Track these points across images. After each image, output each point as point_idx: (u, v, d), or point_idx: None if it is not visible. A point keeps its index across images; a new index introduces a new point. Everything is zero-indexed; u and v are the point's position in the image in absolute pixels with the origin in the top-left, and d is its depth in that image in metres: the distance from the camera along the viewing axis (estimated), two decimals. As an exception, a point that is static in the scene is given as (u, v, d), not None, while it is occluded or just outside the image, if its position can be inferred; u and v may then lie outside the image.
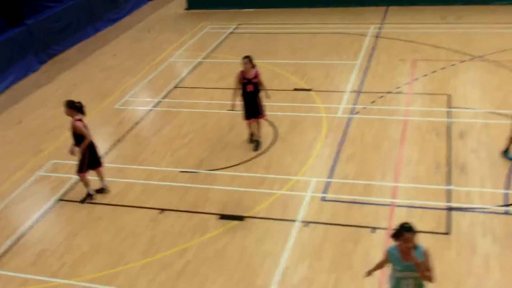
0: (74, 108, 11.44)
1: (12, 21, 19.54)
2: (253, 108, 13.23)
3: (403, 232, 6.99)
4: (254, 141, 13.64)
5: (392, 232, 7.20)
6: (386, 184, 11.73)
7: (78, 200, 12.06)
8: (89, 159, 11.75)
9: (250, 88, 12.94)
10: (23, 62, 19.30)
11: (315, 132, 14.01)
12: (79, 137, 11.49)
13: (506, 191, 11.20)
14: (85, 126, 11.50)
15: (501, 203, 10.91)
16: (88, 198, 12.01)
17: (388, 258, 7.29)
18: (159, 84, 17.76)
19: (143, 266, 10.03)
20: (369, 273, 7.86)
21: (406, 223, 7.07)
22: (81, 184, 12.26)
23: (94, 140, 11.78)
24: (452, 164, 12.20)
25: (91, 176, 12.06)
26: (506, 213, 10.62)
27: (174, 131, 14.72)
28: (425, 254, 7.13)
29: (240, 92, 13.11)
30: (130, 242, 10.71)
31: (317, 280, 9.38)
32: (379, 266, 7.68)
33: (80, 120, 11.46)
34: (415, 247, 7.08)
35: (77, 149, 11.62)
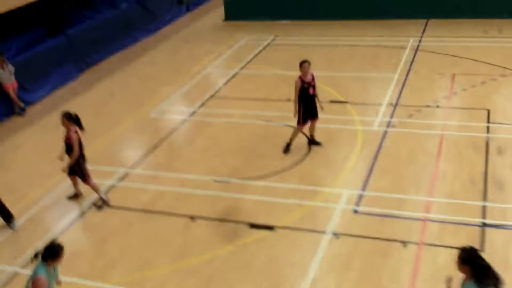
0: (71, 120, 11.67)
1: (53, 31, 19.90)
2: (312, 110, 13.41)
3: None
4: (315, 142, 13.87)
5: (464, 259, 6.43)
6: (420, 199, 11.52)
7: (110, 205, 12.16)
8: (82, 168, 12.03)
9: (311, 91, 13.17)
10: (62, 71, 19.61)
11: (350, 145, 13.87)
12: (71, 147, 11.76)
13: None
14: (78, 140, 11.72)
15: (539, 220, 10.63)
16: (103, 204, 12.22)
17: None
18: (195, 94, 17.85)
19: (172, 272, 10.02)
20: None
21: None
22: (113, 190, 12.37)
23: (83, 154, 12.03)
24: (489, 180, 11.93)
25: (88, 186, 12.12)
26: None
27: (209, 140, 14.75)
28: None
29: (299, 97, 13.20)
30: (160, 248, 10.72)
31: (346, 292, 9.25)
32: None
33: (76, 132, 11.71)
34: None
35: (66, 157, 11.90)
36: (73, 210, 12.22)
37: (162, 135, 15.25)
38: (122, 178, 13.31)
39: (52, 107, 17.80)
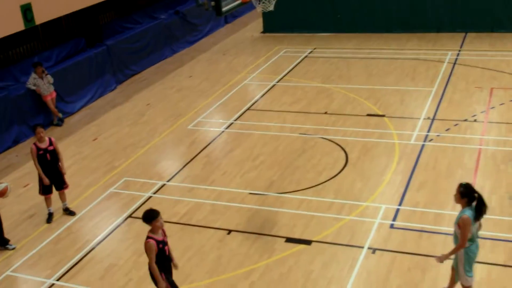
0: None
1: (92, 41, 20.23)
2: None
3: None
4: None
5: None
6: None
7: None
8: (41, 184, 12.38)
9: None
10: (101, 81, 19.89)
11: (387, 159, 13.79)
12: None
13: None
14: (34, 153, 12.08)
15: None
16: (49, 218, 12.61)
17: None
18: (232, 105, 17.94)
19: (208, 286, 10.07)
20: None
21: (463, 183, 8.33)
22: (150, 202, 12.54)
23: (43, 169, 12.18)
24: (527, 196, 11.76)
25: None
26: None
27: (245, 153, 14.79)
28: (461, 219, 8.28)
29: None
30: (197, 261, 10.77)
31: (383, 309, 9.17)
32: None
33: (34, 144, 12.18)
34: (462, 210, 8.41)
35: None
36: (109, 221, 12.35)
37: (199, 147, 15.35)
38: (158, 190, 13.43)
39: (90, 118, 18.06)
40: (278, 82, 19.56)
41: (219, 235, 11.48)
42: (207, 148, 15.32)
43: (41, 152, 12.09)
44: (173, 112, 17.84)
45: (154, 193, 13.31)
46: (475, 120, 15.25)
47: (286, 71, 20.50)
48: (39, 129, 12.11)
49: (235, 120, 16.85)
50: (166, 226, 11.82)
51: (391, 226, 11.24)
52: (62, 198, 12.71)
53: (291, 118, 16.50)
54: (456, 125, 15.07)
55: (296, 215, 11.91)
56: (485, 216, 11.02)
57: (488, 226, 10.83)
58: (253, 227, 11.65)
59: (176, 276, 10.28)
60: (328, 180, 13.12)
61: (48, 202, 12.57)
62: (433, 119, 15.57)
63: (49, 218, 12.56)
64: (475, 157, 13.44)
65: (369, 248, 10.64)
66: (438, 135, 14.63)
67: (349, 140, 14.76)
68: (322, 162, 13.91)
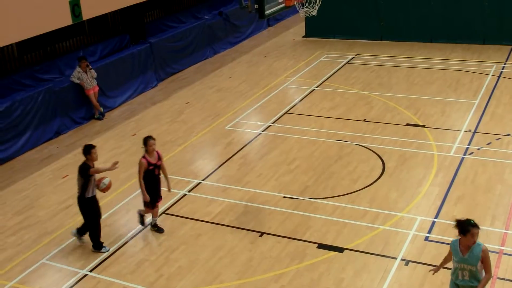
0: None
1: (136, 39, 20.43)
2: None
3: (470, 227, 7.66)
4: None
5: (458, 227, 7.83)
6: (496, 230, 11.16)
7: (180, 215, 12.34)
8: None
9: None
10: (143, 78, 20.06)
11: (425, 170, 13.60)
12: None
13: None
14: (144, 167, 11.21)
15: None
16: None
17: (451, 250, 8.01)
18: (270, 108, 17.92)
19: (237, 287, 10.05)
20: (437, 269, 8.57)
21: (470, 220, 7.76)
22: (184, 200, 12.59)
23: (147, 184, 11.55)
24: None
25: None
26: None
27: (281, 156, 14.75)
28: (483, 252, 7.72)
29: None
30: (227, 261, 10.77)
31: (413, 322, 9.04)
32: (445, 261, 8.41)
33: (144, 157, 11.24)
34: (476, 243, 7.74)
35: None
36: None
37: (235, 148, 15.37)
38: (193, 188, 13.48)
39: (130, 113, 18.23)
40: (317, 87, 19.48)
41: (251, 237, 11.46)
42: (243, 149, 15.32)
43: (151, 167, 11.22)
44: (211, 112, 17.90)
45: (189, 191, 13.37)
46: (517, 135, 14.99)
47: (326, 76, 20.39)
48: (151, 141, 11.16)
49: (273, 123, 16.83)
50: (199, 225, 11.93)
51: (426, 238, 11.08)
52: (154, 213, 11.86)
53: (328, 124, 16.40)
54: (498, 139, 14.79)
55: (329, 221, 11.83)
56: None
57: (525, 244, 10.67)
58: (285, 231, 11.60)
59: (206, 274, 10.35)
60: (364, 188, 13.00)
61: (153, 212, 11.83)
62: (475, 132, 15.32)
63: (153, 226, 11.99)
64: (516, 173, 13.19)
65: (402, 259, 10.50)
66: (479, 149, 14.38)
67: (386, 149, 14.61)
68: (358, 170, 13.79)
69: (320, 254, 10.79)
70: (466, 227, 7.72)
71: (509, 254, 10.43)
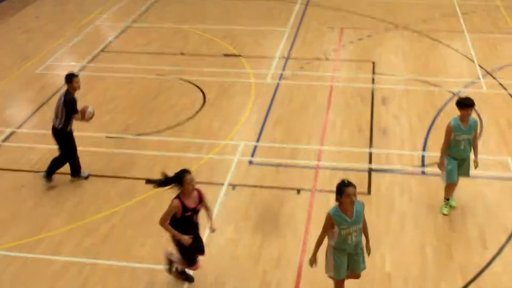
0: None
1: None
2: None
3: (344, 188, 7.05)
4: None
5: (336, 191, 7.13)
6: (312, 148, 11.86)
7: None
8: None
9: None
10: None
11: (244, 98, 13.98)
12: None
13: (423, 153, 11.59)
14: (180, 212, 7.92)
15: (419, 164, 11.25)
16: None
17: (334, 222, 7.17)
18: (84, 48, 17.26)
19: (68, 232, 9.78)
20: (314, 259, 7.53)
21: (344, 180, 7.14)
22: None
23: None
24: (374, 128, 12.48)
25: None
26: (423, 173, 11.01)
27: (99, 96, 14.37)
28: (363, 206, 7.31)
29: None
30: (54, 209, 10.40)
31: (243, 240, 9.42)
32: (319, 243, 7.45)
33: (178, 197, 7.97)
34: (356, 202, 7.17)
35: None
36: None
37: (49, 92, 14.67)
38: (8, 138, 12.76)
39: None
40: (132, 23, 19.04)
41: (77, 182, 11.11)
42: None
43: (188, 213, 7.91)
44: (19, 55, 16.85)
45: (3, 141, 12.64)
46: (326, 59, 15.80)
47: (139, 12, 19.98)
48: (189, 177, 7.82)
49: (88, 62, 16.26)
50: (19, 174, 11.36)
51: (250, 162, 11.49)
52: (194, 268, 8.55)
53: (145, 60, 16.19)
54: (309, 63, 15.53)
55: (155, 156, 11.82)
56: (338, 148, 11.77)
57: (340, 158, 11.46)
58: (112, 171, 11.43)
59: (32, 225, 9.94)
60: (186, 120, 13.11)
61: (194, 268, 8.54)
62: (288, 58, 15.93)
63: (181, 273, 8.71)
64: (327, 93, 13.97)
65: (229, 184, 10.83)
66: (292, 74, 15.02)
67: (206, 81, 14.76)
68: (179, 103, 13.85)
69: (149, 189, 10.75)
70: (340, 188, 7.09)
71: (325, 168, 11.16)
